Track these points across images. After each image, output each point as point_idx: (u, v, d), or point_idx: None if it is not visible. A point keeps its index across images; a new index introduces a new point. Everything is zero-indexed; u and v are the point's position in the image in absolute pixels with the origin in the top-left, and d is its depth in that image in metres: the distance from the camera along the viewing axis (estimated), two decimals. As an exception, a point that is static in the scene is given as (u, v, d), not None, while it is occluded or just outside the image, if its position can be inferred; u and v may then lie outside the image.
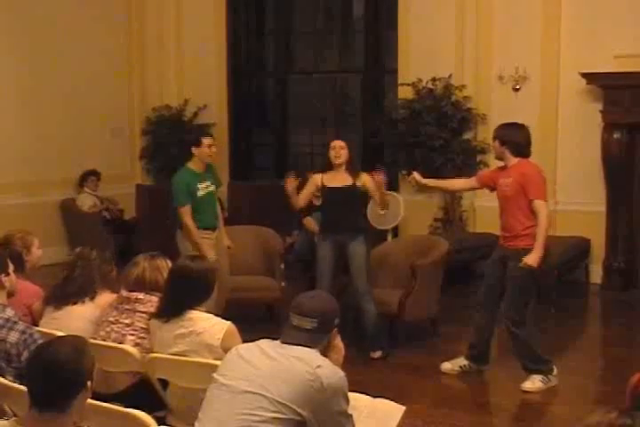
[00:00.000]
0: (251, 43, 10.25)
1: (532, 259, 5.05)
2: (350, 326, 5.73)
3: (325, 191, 5.94)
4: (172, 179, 6.27)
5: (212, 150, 6.19)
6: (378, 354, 5.85)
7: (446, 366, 5.58)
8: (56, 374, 2.41)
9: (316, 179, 5.94)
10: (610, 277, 7.82)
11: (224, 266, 6.12)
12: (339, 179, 5.86)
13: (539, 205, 5.09)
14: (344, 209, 5.85)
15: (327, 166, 5.92)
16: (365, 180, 5.84)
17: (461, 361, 5.56)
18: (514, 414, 5.17)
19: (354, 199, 5.90)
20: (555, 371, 5.30)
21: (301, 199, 5.96)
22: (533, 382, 5.23)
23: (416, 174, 5.64)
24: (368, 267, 5.88)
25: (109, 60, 9.86)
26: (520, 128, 5.31)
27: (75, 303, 4.17)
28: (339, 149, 5.84)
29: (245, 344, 3.05)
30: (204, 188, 6.17)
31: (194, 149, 6.15)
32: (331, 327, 3.00)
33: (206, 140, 6.15)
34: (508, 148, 5.20)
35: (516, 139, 5.22)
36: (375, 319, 5.85)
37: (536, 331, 5.34)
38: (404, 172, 5.89)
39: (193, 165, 6.18)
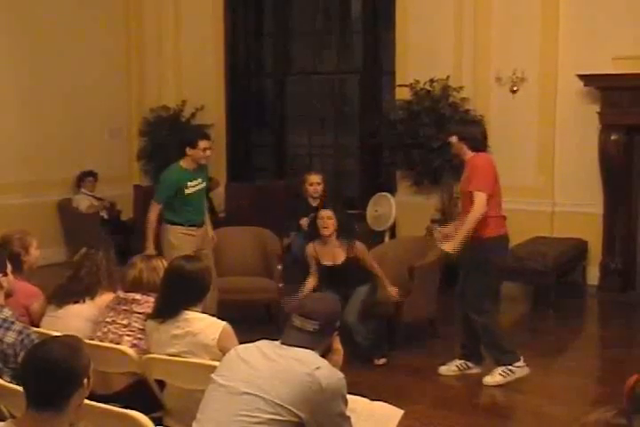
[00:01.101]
0: (249, 43, 10.24)
1: (447, 245, 5.12)
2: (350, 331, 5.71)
3: (321, 269, 5.85)
4: (161, 174, 6.25)
5: (207, 154, 6.13)
6: (382, 361, 5.79)
7: (443, 368, 5.58)
8: (51, 372, 2.41)
9: (310, 250, 5.85)
10: (607, 279, 7.80)
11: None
12: (331, 254, 5.77)
13: (475, 195, 5.14)
14: (344, 282, 5.74)
15: (315, 235, 5.80)
16: (359, 251, 5.74)
17: (456, 361, 5.58)
18: (513, 415, 5.16)
19: (352, 271, 5.74)
20: (520, 362, 5.30)
21: (310, 283, 5.83)
22: (493, 376, 5.29)
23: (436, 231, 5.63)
24: (366, 307, 5.75)
25: (108, 61, 9.86)
26: (477, 124, 5.57)
27: (76, 302, 4.20)
28: (326, 220, 5.70)
29: (244, 345, 3.04)
30: (193, 185, 6.14)
31: (188, 150, 6.09)
32: (332, 330, 2.99)
33: (202, 144, 6.09)
34: (466, 143, 5.29)
35: (474, 134, 5.35)
36: (368, 345, 5.76)
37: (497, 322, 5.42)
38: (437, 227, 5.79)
39: (184, 164, 6.14)
